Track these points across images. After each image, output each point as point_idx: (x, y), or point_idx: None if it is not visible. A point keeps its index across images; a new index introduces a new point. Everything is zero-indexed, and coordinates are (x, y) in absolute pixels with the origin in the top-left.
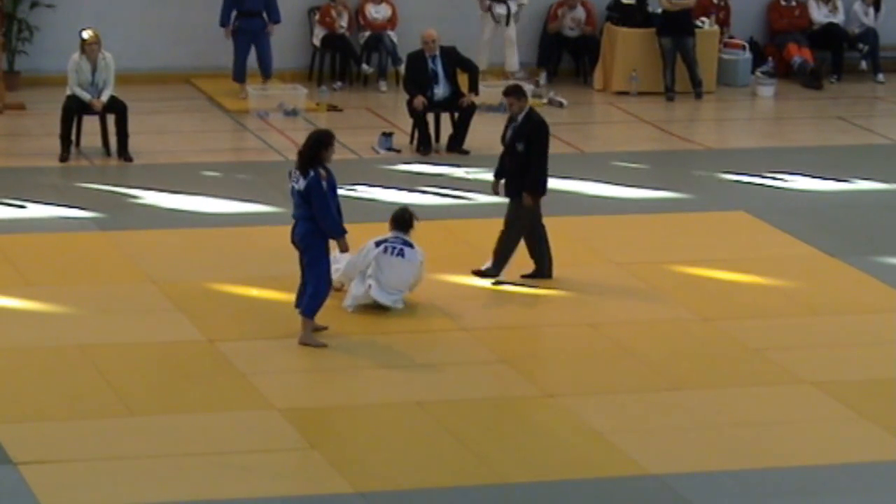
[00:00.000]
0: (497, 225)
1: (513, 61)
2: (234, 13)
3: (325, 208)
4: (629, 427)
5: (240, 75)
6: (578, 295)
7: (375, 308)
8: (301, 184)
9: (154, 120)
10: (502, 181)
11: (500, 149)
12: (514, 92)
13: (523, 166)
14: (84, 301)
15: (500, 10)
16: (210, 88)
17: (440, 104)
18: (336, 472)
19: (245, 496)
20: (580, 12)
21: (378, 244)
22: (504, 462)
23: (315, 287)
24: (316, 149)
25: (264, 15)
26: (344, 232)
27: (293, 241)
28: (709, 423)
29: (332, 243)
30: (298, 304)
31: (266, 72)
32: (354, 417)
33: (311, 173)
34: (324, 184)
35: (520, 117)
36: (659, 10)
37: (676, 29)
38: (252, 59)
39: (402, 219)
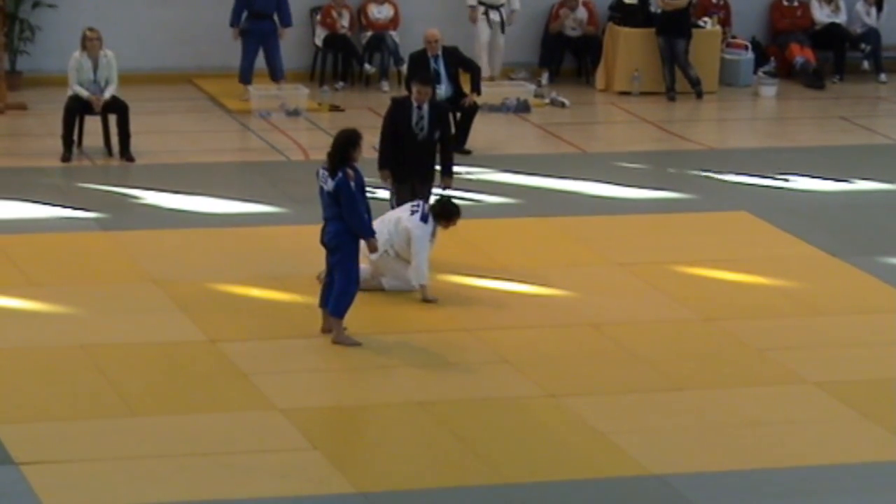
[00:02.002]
0: (499, 225)
1: (497, 67)
2: (244, 14)
3: (354, 208)
4: (631, 427)
5: (246, 77)
6: (580, 295)
7: (375, 307)
8: (330, 184)
9: (156, 120)
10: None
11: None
12: (430, 81)
13: (434, 152)
14: (86, 301)
15: (495, 16)
16: (212, 88)
17: None
18: (338, 472)
19: (247, 496)
20: (582, 12)
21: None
22: (506, 462)
23: (343, 286)
24: (344, 148)
25: (275, 17)
26: (373, 232)
27: (322, 242)
28: (711, 424)
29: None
30: (323, 303)
31: (275, 74)
32: (356, 417)
33: (339, 174)
34: (352, 184)
35: (425, 106)
36: (657, 10)
37: (669, 29)
38: (258, 61)
39: (436, 202)
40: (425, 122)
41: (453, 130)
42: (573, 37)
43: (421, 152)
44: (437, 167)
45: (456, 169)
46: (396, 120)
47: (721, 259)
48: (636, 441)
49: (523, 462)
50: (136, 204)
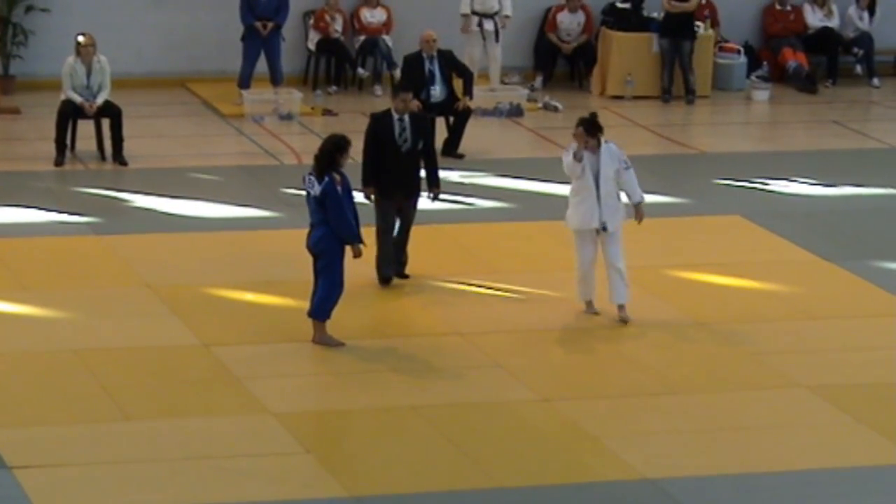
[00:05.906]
0: (492, 229)
1: (496, 77)
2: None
3: (341, 213)
4: (625, 431)
5: (245, 81)
6: (573, 299)
7: (369, 312)
8: (316, 189)
9: (149, 124)
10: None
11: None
12: (412, 89)
13: (418, 164)
14: (79, 305)
15: (489, 26)
16: (205, 92)
17: (437, 106)
18: (331, 476)
19: (240, 500)
20: (580, 17)
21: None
22: (499, 466)
23: (327, 290)
24: (331, 154)
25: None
26: (360, 238)
27: (308, 247)
28: (705, 428)
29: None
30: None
31: (276, 78)
32: (349, 421)
33: (326, 178)
34: (339, 189)
35: (406, 117)
36: (653, 14)
37: (674, 31)
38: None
39: (582, 123)
40: (408, 133)
41: (447, 134)
42: (568, 41)
43: (406, 164)
44: (423, 179)
45: (451, 174)
46: (379, 134)
47: (714, 263)
48: (630, 445)
49: (516, 466)
50: (129, 208)
